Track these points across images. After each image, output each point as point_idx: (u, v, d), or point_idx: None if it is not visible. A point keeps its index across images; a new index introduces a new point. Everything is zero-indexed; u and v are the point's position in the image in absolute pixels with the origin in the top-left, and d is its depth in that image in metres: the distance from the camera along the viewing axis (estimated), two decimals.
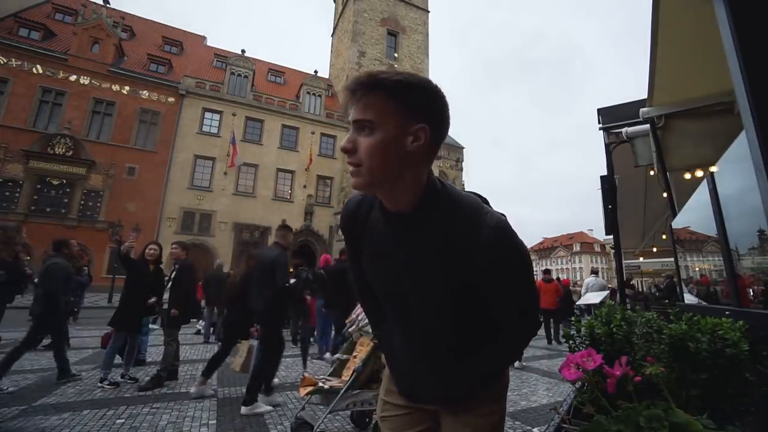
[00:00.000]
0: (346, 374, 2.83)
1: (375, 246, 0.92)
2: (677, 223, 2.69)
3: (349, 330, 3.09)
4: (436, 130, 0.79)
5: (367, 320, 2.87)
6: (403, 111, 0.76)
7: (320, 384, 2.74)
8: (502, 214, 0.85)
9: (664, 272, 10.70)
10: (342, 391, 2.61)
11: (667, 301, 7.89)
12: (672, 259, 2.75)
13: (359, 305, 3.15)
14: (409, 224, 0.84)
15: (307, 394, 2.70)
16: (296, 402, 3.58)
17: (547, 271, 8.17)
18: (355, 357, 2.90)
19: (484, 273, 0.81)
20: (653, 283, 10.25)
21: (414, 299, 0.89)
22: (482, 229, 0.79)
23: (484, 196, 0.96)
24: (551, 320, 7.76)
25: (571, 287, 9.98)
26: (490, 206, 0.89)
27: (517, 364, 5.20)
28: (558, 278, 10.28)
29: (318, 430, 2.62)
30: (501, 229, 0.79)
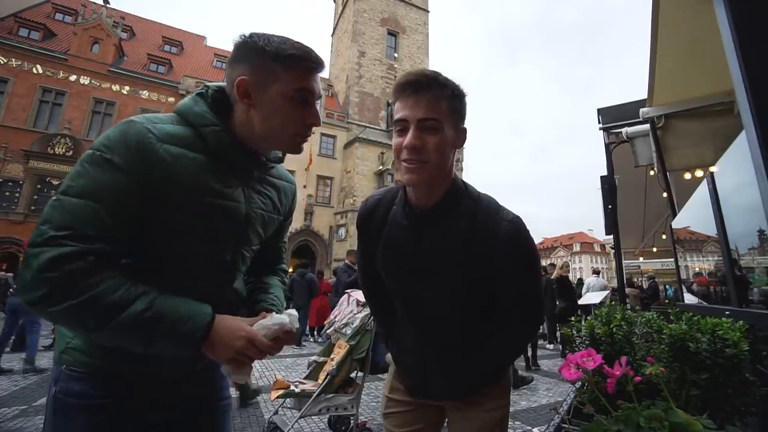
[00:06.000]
0: (323, 377, 2.70)
1: (394, 241, 0.95)
2: (677, 223, 2.69)
3: (327, 331, 3.01)
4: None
5: (344, 321, 2.81)
6: (456, 113, 0.84)
7: (292, 387, 2.64)
8: None
9: (664, 272, 10.72)
10: (314, 395, 2.49)
11: (647, 301, 7.94)
12: (672, 259, 2.75)
13: (338, 306, 3.11)
14: (435, 218, 0.89)
15: (277, 397, 2.57)
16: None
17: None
18: (332, 359, 2.78)
19: (498, 264, 0.86)
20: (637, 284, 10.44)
21: (428, 292, 0.93)
22: (501, 222, 0.86)
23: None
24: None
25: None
26: None
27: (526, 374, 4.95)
28: None
29: None
30: (517, 223, 0.87)
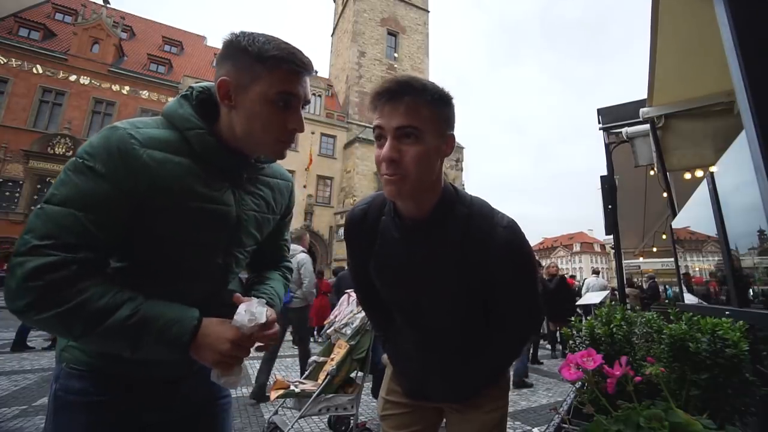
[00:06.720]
0: (323, 377, 2.71)
1: (387, 254, 0.92)
2: (677, 223, 2.69)
3: (327, 331, 3.01)
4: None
5: (344, 321, 2.80)
6: (440, 119, 0.79)
7: (292, 387, 2.64)
8: None
9: (664, 272, 10.72)
10: (314, 396, 2.50)
11: (648, 302, 7.96)
12: (672, 259, 2.75)
13: (338, 306, 3.11)
14: (427, 228, 0.86)
15: (277, 398, 2.57)
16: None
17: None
18: (332, 360, 2.78)
19: (494, 268, 0.85)
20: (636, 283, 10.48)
21: (426, 300, 0.91)
22: (496, 227, 0.84)
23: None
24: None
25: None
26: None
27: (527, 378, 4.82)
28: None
29: None
30: (512, 228, 0.85)
